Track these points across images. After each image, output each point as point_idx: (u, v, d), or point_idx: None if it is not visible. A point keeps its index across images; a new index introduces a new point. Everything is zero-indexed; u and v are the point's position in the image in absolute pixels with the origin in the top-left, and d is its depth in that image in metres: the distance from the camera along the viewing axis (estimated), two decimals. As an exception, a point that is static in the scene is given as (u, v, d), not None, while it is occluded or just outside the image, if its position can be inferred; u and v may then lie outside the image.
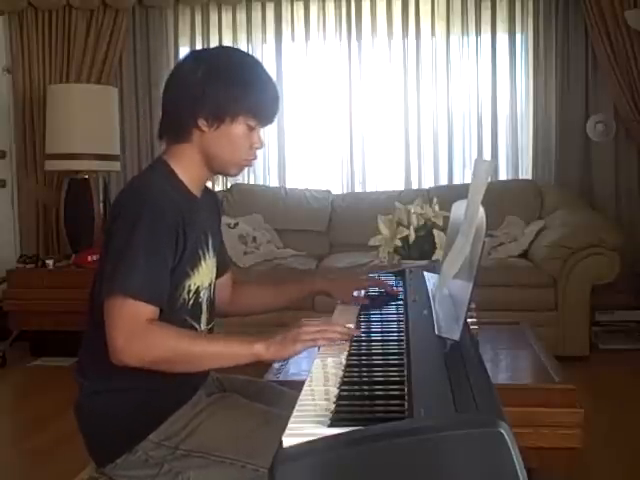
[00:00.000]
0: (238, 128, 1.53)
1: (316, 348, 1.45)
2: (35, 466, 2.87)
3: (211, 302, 1.66)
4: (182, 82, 1.54)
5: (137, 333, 1.36)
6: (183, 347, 1.40)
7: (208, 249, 1.60)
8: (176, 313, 1.50)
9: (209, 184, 1.70)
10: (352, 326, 1.56)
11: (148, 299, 1.38)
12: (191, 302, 1.55)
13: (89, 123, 4.54)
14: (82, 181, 4.65)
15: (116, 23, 5.00)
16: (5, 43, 5.08)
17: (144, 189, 1.48)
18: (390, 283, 1.95)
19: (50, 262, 4.51)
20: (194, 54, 1.61)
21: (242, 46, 5.13)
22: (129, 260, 1.38)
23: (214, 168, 1.59)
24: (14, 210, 5.13)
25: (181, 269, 1.49)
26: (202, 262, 1.57)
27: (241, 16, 5.14)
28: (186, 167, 1.56)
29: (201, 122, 1.52)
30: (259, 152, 1.63)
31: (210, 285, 1.64)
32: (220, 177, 5.14)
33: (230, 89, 1.50)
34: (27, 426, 3.34)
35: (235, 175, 1.69)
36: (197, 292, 1.56)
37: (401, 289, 1.90)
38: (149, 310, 1.38)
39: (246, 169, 5.25)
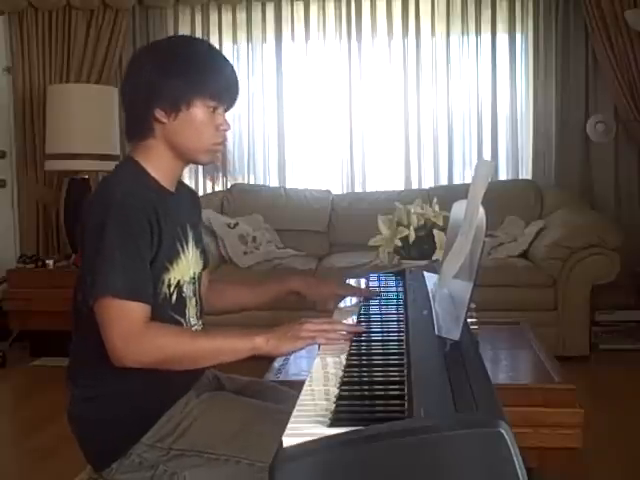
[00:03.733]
0: (197, 112, 1.51)
1: (316, 348, 1.45)
2: (35, 466, 2.87)
3: (198, 296, 1.65)
4: (133, 78, 1.53)
5: (135, 334, 1.35)
6: (184, 346, 1.41)
7: (187, 243, 1.59)
8: (159, 309, 1.48)
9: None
10: (353, 322, 1.56)
11: (134, 296, 1.37)
12: (174, 297, 1.54)
13: (89, 123, 4.54)
14: (82, 181, 4.65)
15: (116, 23, 5.00)
16: (5, 43, 5.08)
17: (109, 192, 1.46)
18: (363, 287, 1.93)
19: (50, 262, 4.51)
20: (142, 48, 1.60)
21: (242, 46, 5.14)
22: (105, 262, 1.37)
23: (184, 158, 1.57)
24: (14, 210, 5.13)
25: (159, 263, 1.48)
26: (181, 255, 1.55)
27: (241, 16, 5.14)
28: (156, 162, 1.54)
29: (159, 114, 1.50)
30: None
31: (194, 279, 1.62)
32: (220, 177, 5.15)
33: (179, 75, 1.49)
34: (27, 426, 3.34)
35: (208, 163, 1.66)
36: (178, 286, 1.55)
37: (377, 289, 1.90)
38: (140, 308, 1.38)
39: (246, 169, 5.29)
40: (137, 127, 1.54)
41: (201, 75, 1.51)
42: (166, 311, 1.52)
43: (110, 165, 4.69)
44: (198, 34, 5.12)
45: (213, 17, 5.15)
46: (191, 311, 1.61)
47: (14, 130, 5.09)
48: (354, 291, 1.91)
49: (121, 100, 1.58)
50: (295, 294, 1.89)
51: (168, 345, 1.39)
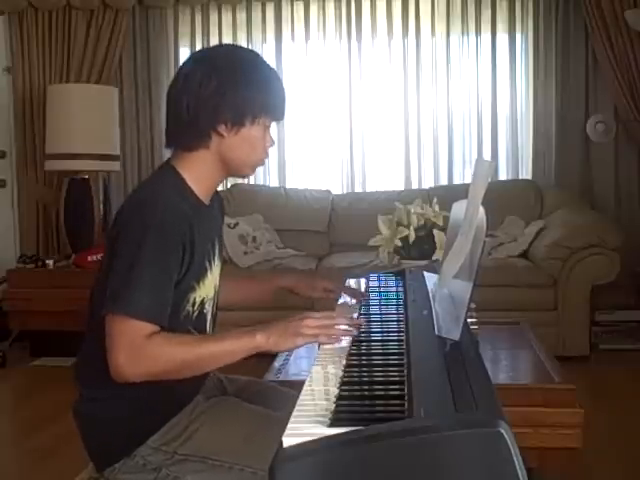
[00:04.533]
0: (257, 130, 1.52)
1: (316, 348, 1.45)
2: (35, 466, 2.87)
3: (214, 307, 1.65)
4: (197, 90, 1.49)
5: (138, 350, 1.35)
6: (185, 354, 1.40)
7: (214, 258, 1.59)
8: (179, 325, 1.48)
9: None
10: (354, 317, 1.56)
11: (151, 318, 1.37)
12: (195, 314, 1.54)
13: (89, 123, 4.54)
14: (82, 181, 4.65)
15: (116, 23, 5.00)
16: (5, 43, 5.08)
17: (151, 203, 1.44)
18: (358, 290, 1.93)
19: (50, 262, 4.51)
20: (201, 59, 1.55)
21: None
22: (134, 280, 1.36)
23: (229, 171, 1.58)
24: (14, 210, 5.13)
25: (186, 283, 1.47)
26: (208, 274, 1.55)
27: (241, 16, 5.14)
28: (198, 174, 1.53)
29: (221, 128, 1.49)
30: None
31: (215, 294, 1.62)
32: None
33: (249, 92, 1.49)
34: (27, 426, 3.34)
35: (249, 175, 1.69)
36: (202, 304, 1.55)
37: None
38: (150, 327, 1.37)
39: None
40: (192, 137, 1.52)
41: (270, 94, 1.53)
42: (186, 327, 1.52)
43: (110, 165, 4.70)
44: (198, 34, 5.13)
45: (213, 17, 5.15)
46: (209, 324, 1.62)
47: (14, 130, 5.09)
48: (347, 291, 1.89)
49: (174, 107, 1.53)
50: (287, 291, 1.89)
51: (169, 356, 1.38)
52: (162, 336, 1.39)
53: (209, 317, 1.61)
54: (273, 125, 1.59)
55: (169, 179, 1.53)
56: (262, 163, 1.61)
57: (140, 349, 1.35)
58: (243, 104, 1.49)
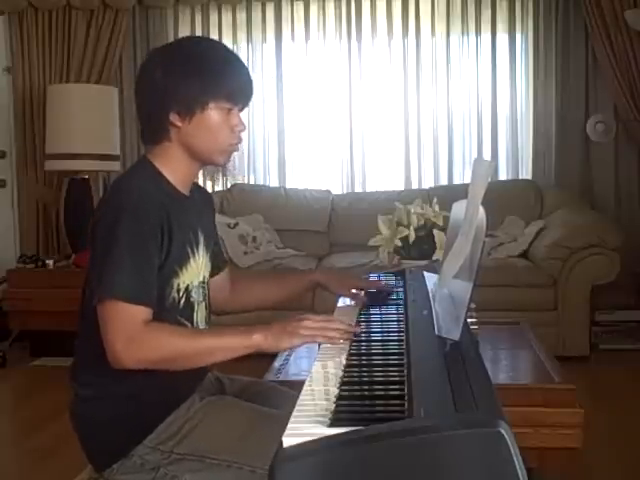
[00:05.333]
0: (212, 114, 1.50)
1: (316, 348, 1.45)
2: (35, 466, 2.87)
3: (207, 300, 1.65)
4: (146, 82, 1.53)
5: (135, 336, 1.35)
6: (182, 345, 1.40)
7: (198, 248, 1.58)
8: (167, 313, 1.49)
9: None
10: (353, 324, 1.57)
11: (138, 300, 1.37)
12: (182, 301, 1.54)
13: (89, 123, 4.54)
14: (82, 181, 4.65)
15: (116, 23, 5.01)
16: (5, 43, 5.08)
17: (125, 192, 1.46)
18: (386, 283, 1.94)
19: (50, 262, 4.51)
20: (153, 52, 1.58)
21: (242, 46, 5.14)
22: (113, 264, 1.37)
23: (200, 159, 1.57)
24: (14, 210, 5.13)
25: (169, 267, 1.48)
26: (191, 260, 1.55)
27: (241, 16, 5.14)
28: (172, 165, 1.54)
29: (173, 118, 1.50)
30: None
31: (202, 283, 1.62)
32: (220, 177, 5.15)
33: (192, 78, 1.48)
34: (27, 426, 3.34)
35: (224, 163, 1.64)
36: (187, 291, 1.55)
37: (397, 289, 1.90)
38: (142, 311, 1.38)
39: (246, 169, 5.30)
40: (152, 131, 1.54)
41: (214, 77, 1.50)
42: (174, 315, 1.52)
43: (110, 165, 4.70)
44: (198, 34, 5.12)
45: (213, 17, 5.15)
46: (199, 315, 1.61)
47: (14, 130, 5.09)
48: (373, 284, 1.92)
49: (135, 103, 1.57)
50: (318, 286, 1.90)
51: (166, 345, 1.39)
52: (159, 325, 1.40)
53: (199, 307, 1.60)
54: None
55: (145, 171, 1.54)
56: (234, 148, 1.58)
57: (136, 336, 1.35)
58: (187, 92, 1.48)
